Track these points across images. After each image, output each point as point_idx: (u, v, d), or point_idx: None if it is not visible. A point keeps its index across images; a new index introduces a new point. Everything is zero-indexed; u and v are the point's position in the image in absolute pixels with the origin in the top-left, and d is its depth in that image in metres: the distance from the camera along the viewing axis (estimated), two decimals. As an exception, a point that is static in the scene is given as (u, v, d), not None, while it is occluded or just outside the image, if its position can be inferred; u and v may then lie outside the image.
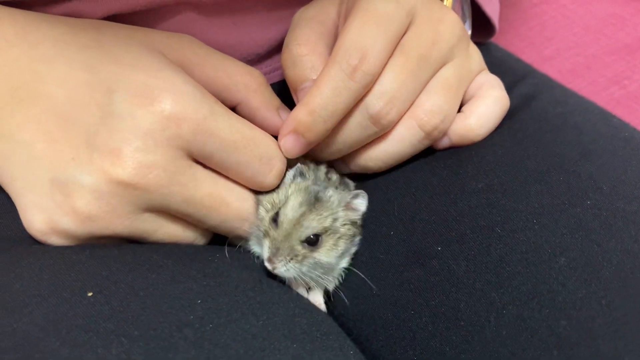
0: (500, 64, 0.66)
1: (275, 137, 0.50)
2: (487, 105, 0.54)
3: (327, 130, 0.49)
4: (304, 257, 0.49)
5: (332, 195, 0.51)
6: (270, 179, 0.49)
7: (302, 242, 0.49)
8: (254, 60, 0.60)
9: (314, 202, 0.50)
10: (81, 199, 0.44)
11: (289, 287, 0.50)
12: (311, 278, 0.50)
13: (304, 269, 0.49)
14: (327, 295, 0.53)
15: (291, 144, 0.50)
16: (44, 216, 0.45)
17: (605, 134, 0.54)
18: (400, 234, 0.52)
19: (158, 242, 0.48)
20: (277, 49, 0.61)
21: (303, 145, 0.50)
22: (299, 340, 0.42)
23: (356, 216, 0.52)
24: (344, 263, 0.52)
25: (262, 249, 0.49)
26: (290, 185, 0.51)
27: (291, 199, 0.50)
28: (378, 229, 0.53)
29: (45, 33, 0.47)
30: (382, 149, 0.52)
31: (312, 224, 0.49)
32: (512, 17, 1.08)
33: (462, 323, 0.45)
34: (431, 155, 0.55)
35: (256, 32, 0.59)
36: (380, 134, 0.51)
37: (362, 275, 0.50)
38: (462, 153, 0.54)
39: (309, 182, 0.51)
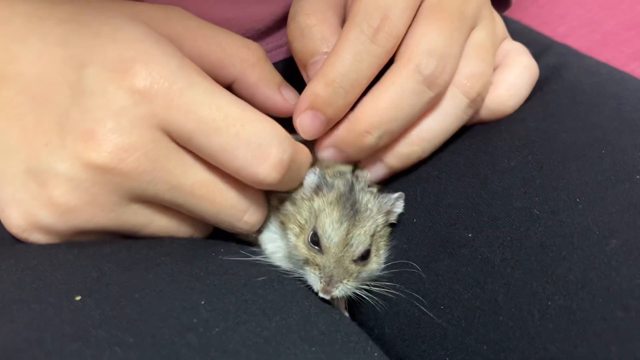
0: (519, 36, 0.61)
1: (278, 120, 0.45)
2: (516, 74, 0.49)
3: (348, 105, 0.44)
4: (358, 273, 0.45)
5: (370, 202, 0.46)
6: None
7: (355, 260, 0.45)
8: (253, 37, 0.55)
9: (354, 214, 0.45)
10: (57, 189, 0.39)
11: (302, 283, 0.45)
12: (364, 290, 0.46)
13: (359, 283, 0.46)
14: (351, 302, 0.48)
15: (309, 123, 0.44)
16: (22, 210, 0.41)
17: (649, 103, 0.49)
18: (424, 221, 0.47)
19: (151, 236, 0.43)
20: (278, 24, 0.56)
21: (322, 124, 0.44)
22: (317, 343, 0.38)
23: (394, 218, 0.48)
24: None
25: (310, 279, 0.45)
26: (314, 199, 0.46)
27: (325, 217, 0.45)
28: (399, 216, 0.48)
29: (16, 9, 0.42)
30: (425, 126, 0.46)
31: (362, 240, 0.45)
32: (522, -5, 1.04)
33: (501, 318, 0.40)
34: (455, 134, 0.49)
35: (255, 5, 0.54)
36: (433, 101, 0.45)
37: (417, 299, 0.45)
38: (490, 129, 0.49)
39: (338, 191, 0.46)
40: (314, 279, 0.45)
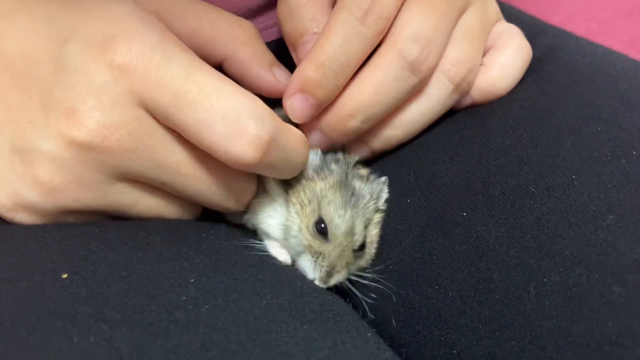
0: (513, 20, 0.60)
1: (271, 101, 0.44)
2: (509, 55, 0.49)
3: (339, 87, 0.43)
4: (354, 261, 0.45)
5: (362, 188, 0.46)
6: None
7: (354, 250, 0.45)
8: (244, 16, 0.54)
9: (355, 203, 0.45)
10: (42, 167, 0.38)
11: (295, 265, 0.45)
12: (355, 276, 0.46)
13: (352, 270, 0.45)
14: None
15: (299, 106, 0.44)
16: (7, 190, 0.40)
17: (644, 82, 0.48)
18: (418, 201, 0.46)
19: (139, 217, 0.42)
20: (270, 3, 0.55)
21: (313, 107, 0.44)
22: (309, 321, 0.37)
23: (382, 203, 0.48)
24: None
25: (306, 267, 0.44)
26: (316, 181, 0.45)
27: (328, 203, 0.44)
28: (392, 197, 0.48)
29: None
30: (409, 111, 0.46)
31: (362, 231, 0.45)
32: (517, -17, 1.03)
33: (497, 296, 0.40)
34: (449, 115, 0.49)
35: (246, -17, 0.54)
36: (418, 87, 0.45)
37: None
38: (484, 109, 0.48)
39: (338, 177, 0.45)
40: (314, 268, 0.44)
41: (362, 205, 0.45)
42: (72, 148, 0.38)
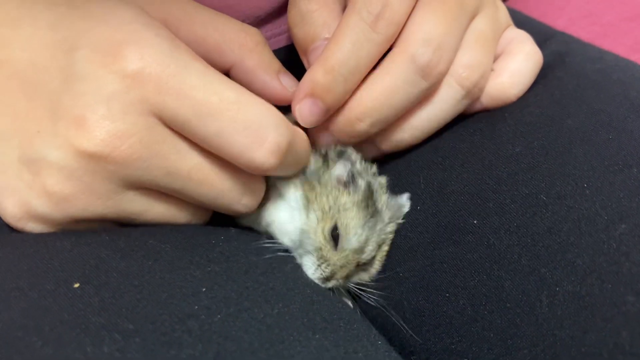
0: (522, 26, 0.60)
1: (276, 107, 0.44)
2: (520, 62, 0.49)
3: (348, 92, 0.43)
4: (355, 274, 0.46)
5: (383, 208, 0.46)
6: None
7: (358, 264, 0.45)
8: (252, 24, 0.54)
9: (374, 224, 0.45)
10: (51, 177, 0.38)
11: (304, 272, 0.45)
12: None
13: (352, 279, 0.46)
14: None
15: (308, 111, 0.43)
16: (16, 199, 0.39)
17: (655, 88, 0.48)
18: (428, 209, 0.46)
19: (150, 223, 0.42)
20: (278, 11, 0.55)
21: (322, 111, 0.44)
22: (320, 330, 0.37)
23: (401, 219, 0.48)
24: None
25: (308, 266, 0.45)
26: (342, 193, 0.45)
27: (349, 218, 0.44)
28: None
29: None
30: (418, 115, 0.46)
31: (372, 251, 0.45)
32: (520, -13, 1.03)
33: (508, 305, 0.40)
34: (458, 120, 0.49)
35: (256, -8, 0.53)
36: (428, 91, 0.44)
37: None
38: (494, 115, 0.48)
39: (364, 194, 0.45)
40: (316, 270, 0.44)
41: (379, 228, 0.45)
42: (81, 158, 0.37)
